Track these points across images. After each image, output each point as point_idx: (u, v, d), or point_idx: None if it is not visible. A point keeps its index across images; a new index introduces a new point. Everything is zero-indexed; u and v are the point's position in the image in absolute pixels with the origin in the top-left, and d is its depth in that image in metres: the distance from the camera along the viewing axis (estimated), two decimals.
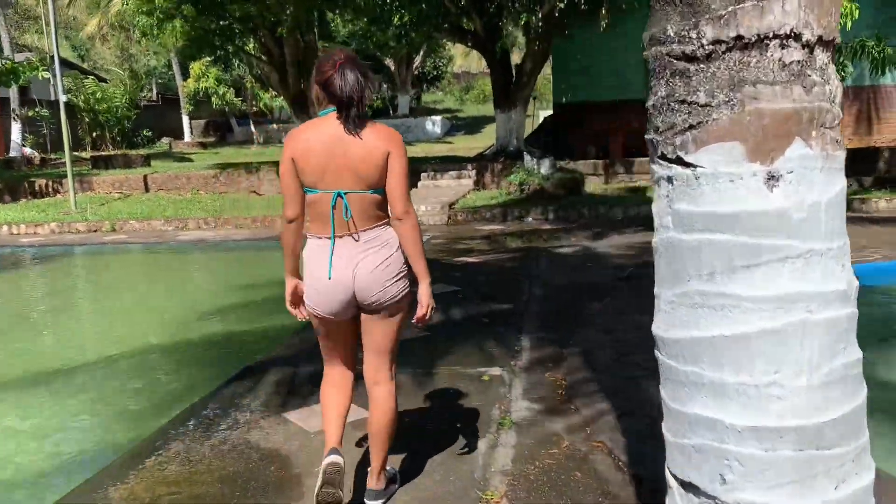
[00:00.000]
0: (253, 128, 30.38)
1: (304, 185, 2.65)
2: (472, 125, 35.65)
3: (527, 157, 13.00)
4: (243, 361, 5.22)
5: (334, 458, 2.72)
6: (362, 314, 2.77)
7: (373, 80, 2.69)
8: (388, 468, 2.95)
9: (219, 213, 13.53)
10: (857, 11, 13.34)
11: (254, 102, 31.63)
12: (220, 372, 5.15)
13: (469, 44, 16.80)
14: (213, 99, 27.10)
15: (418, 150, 26.50)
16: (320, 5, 15.74)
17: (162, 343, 6.33)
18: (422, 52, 36.19)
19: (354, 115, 2.60)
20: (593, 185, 14.47)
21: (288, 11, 14.47)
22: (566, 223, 11.25)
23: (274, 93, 27.85)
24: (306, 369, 4.68)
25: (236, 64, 30.24)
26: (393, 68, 35.67)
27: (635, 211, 11.72)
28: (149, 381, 5.33)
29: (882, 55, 13.42)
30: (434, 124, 32.65)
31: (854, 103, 17.10)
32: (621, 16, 14.92)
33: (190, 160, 23.59)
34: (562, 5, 14.16)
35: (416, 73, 39.10)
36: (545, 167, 12.73)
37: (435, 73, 42.75)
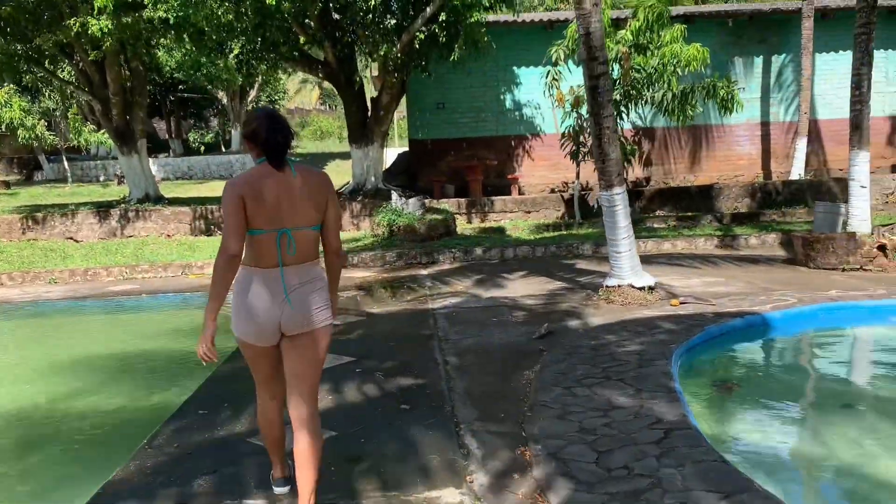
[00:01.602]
0: (66, 165, 27.16)
1: (250, 226, 2.85)
2: (313, 162, 34.12)
3: (394, 196, 11.96)
4: (75, 487, 3.70)
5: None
6: (288, 343, 2.98)
7: (293, 130, 3.00)
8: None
9: (27, 266, 11.31)
10: (707, 55, 13.69)
11: (68, 136, 28.32)
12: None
13: (320, 75, 15.60)
14: (19, 132, 23.74)
15: None
16: (150, 30, 13.94)
17: None
18: (256, 86, 34.41)
19: (279, 157, 2.90)
20: (460, 225, 13.67)
21: (106, 32, 12.57)
22: (445, 267, 10.28)
23: (93, 126, 24.95)
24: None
25: (47, 93, 26.99)
26: (226, 101, 33.54)
27: (511, 253, 11.00)
28: None
29: (731, 96, 13.76)
30: None
31: (691, 142, 17.67)
32: (476, 53, 14.45)
33: None
34: (422, 36, 13.39)
35: (250, 107, 37.14)
36: (412, 207, 11.74)
37: (271, 107, 40.92)
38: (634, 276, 7.38)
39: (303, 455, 2.95)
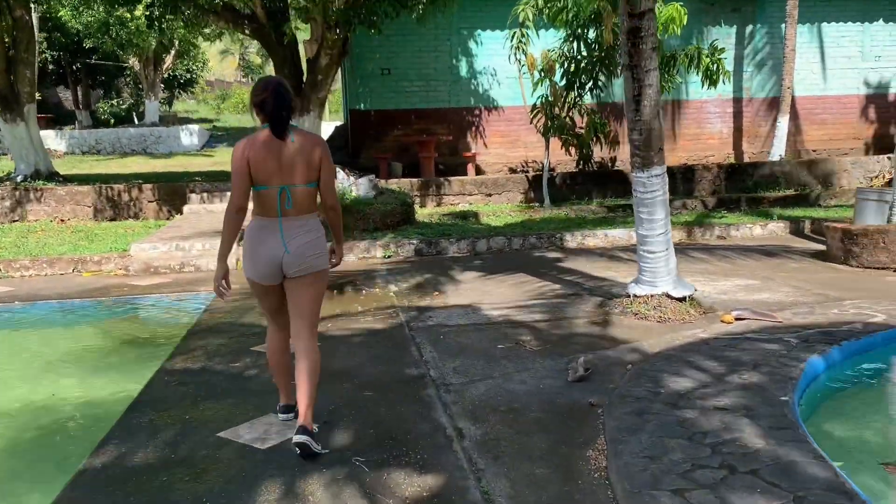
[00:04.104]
0: None
1: (254, 182, 3.31)
2: (235, 136, 31.48)
3: (340, 175, 9.95)
4: None
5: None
6: (289, 283, 3.44)
7: (295, 100, 3.44)
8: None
9: None
10: (686, 17, 12.12)
11: None
12: None
13: (246, 31, 13.33)
14: None
15: (174, 164, 22.09)
16: None
17: None
18: (172, 53, 31.35)
19: (282, 128, 3.30)
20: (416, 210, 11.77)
21: None
22: (410, 265, 8.38)
23: None
24: None
25: None
26: (138, 68, 30.40)
27: (484, 245, 9.20)
28: None
29: (717, 66, 12.24)
30: (191, 134, 28.15)
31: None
32: (434, 8, 12.47)
33: None
34: None
35: (165, 76, 34.01)
36: (363, 188, 9.77)
37: (188, 77, 37.67)
38: (672, 283, 5.68)
39: (302, 375, 3.38)
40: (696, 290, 5.84)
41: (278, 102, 3.24)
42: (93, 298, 7.13)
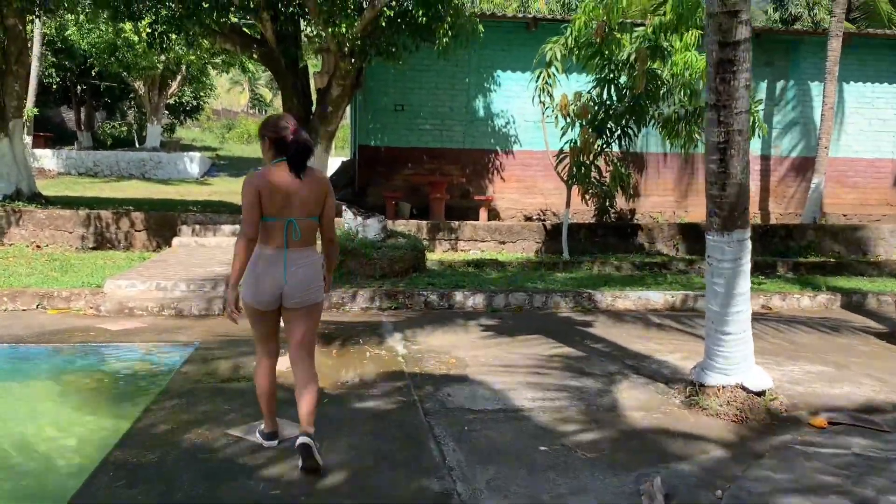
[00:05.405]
0: None
1: (264, 214, 3.53)
2: (237, 166, 30.71)
3: (347, 215, 8.95)
4: None
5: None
6: (287, 313, 3.66)
7: (311, 142, 3.71)
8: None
9: None
10: None
11: None
12: None
13: (254, 55, 12.52)
14: None
15: (171, 191, 21.29)
16: None
17: None
18: (179, 79, 30.67)
19: (303, 167, 3.55)
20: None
21: None
22: (420, 319, 7.33)
23: None
24: None
25: None
26: (142, 92, 29.63)
27: (502, 300, 8.19)
28: None
29: (753, 119, 11.40)
30: (191, 162, 27.37)
31: (681, 173, 15.38)
32: (458, 44, 11.66)
33: None
34: (391, 14, 10.51)
35: (171, 101, 33.33)
36: (372, 230, 8.78)
37: (194, 103, 36.93)
38: (747, 371, 4.67)
39: (304, 397, 3.60)
40: (773, 383, 4.82)
41: (303, 144, 3.51)
42: (51, 344, 6.08)
